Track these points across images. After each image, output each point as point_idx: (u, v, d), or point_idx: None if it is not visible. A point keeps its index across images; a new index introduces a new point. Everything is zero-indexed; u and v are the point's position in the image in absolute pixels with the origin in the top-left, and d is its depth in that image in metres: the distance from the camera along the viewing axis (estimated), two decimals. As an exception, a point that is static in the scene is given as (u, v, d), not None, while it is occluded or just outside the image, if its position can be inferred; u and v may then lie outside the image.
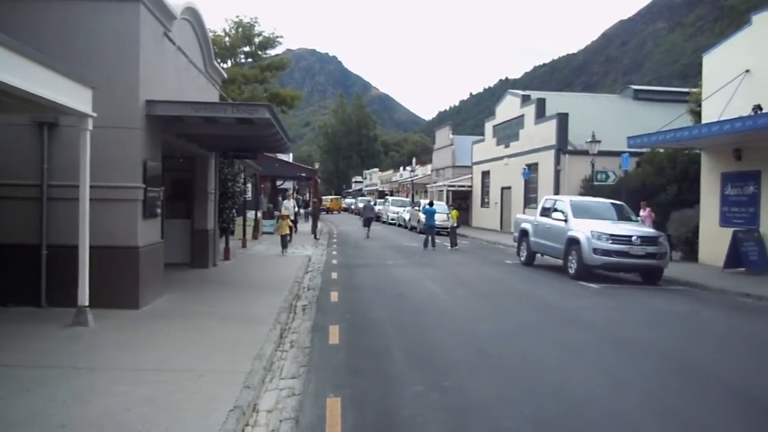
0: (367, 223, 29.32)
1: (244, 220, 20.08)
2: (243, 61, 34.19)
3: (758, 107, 15.03)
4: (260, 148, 15.20)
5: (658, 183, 22.13)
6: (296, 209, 24.10)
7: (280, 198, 28.53)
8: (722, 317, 10.77)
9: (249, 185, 22.31)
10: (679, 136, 16.51)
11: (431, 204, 24.78)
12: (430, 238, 22.62)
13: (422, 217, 31.64)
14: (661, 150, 22.23)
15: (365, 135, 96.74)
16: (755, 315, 10.92)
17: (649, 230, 14.89)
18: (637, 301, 12.11)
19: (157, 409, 4.90)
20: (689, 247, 18.83)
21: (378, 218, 44.60)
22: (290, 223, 19.09)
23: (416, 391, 5.90)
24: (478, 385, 6.19)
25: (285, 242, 18.40)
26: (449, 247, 23.11)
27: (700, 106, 19.18)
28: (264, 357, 6.57)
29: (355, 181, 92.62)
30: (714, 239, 17.20)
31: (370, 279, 14.12)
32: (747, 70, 16.39)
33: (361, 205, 48.22)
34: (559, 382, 6.37)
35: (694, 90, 22.88)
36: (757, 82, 15.99)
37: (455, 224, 24.23)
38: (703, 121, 17.76)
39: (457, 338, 8.34)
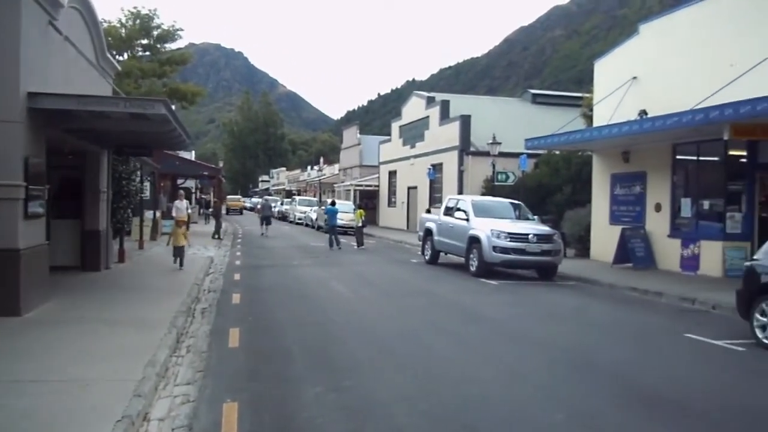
0: (264, 222, 28.90)
1: (141, 221, 19.21)
2: (140, 54, 32.71)
3: (644, 112, 16.06)
4: (158, 145, 14.60)
5: (555, 183, 23.21)
6: (189, 210, 22.47)
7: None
8: (610, 310, 11.41)
9: (147, 184, 21.38)
10: (572, 139, 17.38)
11: (333, 204, 24.76)
12: (333, 237, 22.57)
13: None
14: (557, 152, 23.34)
15: (272, 133, 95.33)
16: (640, 307, 11.63)
17: (544, 228, 15.56)
18: (534, 297, 12.62)
19: (37, 425, 4.57)
20: (582, 245, 19.86)
21: (285, 218, 44.08)
22: (185, 231, 15.05)
23: (316, 392, 5.83)
24: (378, 384, 6.21)
25: (181, 255, 14.40)
26: (356, 247, 23.16)
27: (592, 110, 20.25)
28: (157, 363, 6.29)
29: (262, 180, 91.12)
30: (604, 237, 18.23)
31: (274, 280, 13.88)
32: (634, 77, 17.47)
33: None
34: (459, 377, 6.51)
35: (587, 95, 24.14)
36: (643, 88, 17.08)
37: (360, 224, 24.29)
38: (595, 125, 18.79)
39: (360, 337, 8.34)
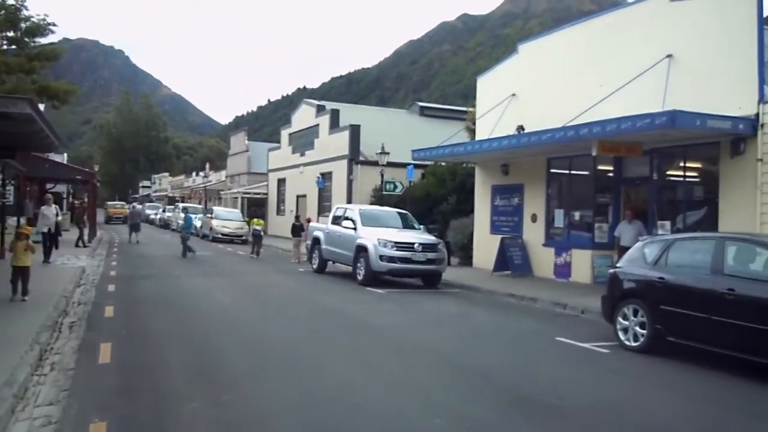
0: (133, 229, 27.49)
1: (3, 228, 17.65)
2: (5, 47, 30.22)
3: (521, 127, 16.93)
4: (23, 146, 13.49)
5: (441, 193, 23.92)
6: (59, 217, 20.58)
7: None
8: (489, 316, 11.87)
9: (10, 188, 19.69)
10: (456, 151, 17.99)
11: (186, 211, 24.38)
12: (185, 245, 21.32)
13: (215, 224, 30.68)
14: (443, 163, 24.08)
15: (154, 137, 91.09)
16: (516, 312, 12.20)
17: (429, 238, 15.96)
18: (418, 304, 12.88)
19: None
20: (465, 253, 20.56)
21: (167, 226, 42.25)
22: (31, 245, 10.67)
23: (193, 407, 5.59)
24: (259, 396, 6.06)
25: (24, 279, 10.33)
26: (255, 257, 22.67)
27: (475, 124, 21.08)
28: (15, 383, 5.76)
29: (143, 186, 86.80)
30: (486, 245, 18.98)
31: (152, 291, 13.22)
32: (513, 94, 18.38)
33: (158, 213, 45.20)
34: (342, 386, 6.48)
35: (471, 109, 25.11)
36: (521, 105, 18.00)
37: (261, 233, 23.78)
38: (477, 138, 19.57)
39: (242, 349, 8.12)
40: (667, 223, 14.11)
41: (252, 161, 44.92)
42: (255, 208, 40.52)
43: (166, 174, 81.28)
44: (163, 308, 11.18)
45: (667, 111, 11.81)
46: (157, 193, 77.35)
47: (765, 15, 12.82)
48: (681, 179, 14.44)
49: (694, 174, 14.38)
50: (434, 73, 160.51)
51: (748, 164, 12.50)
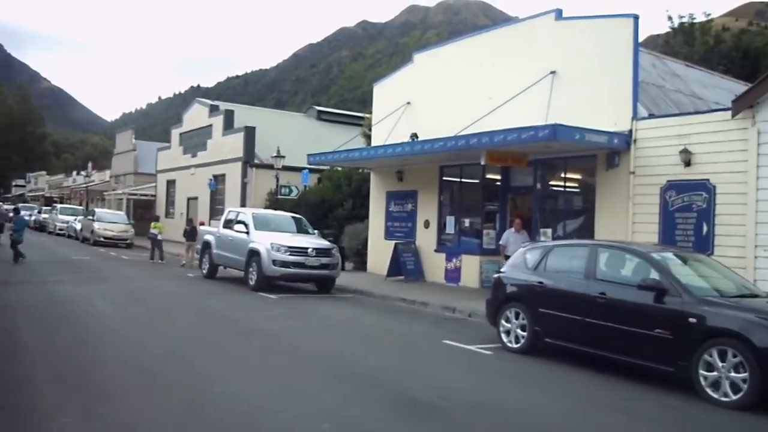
0: None
1: None
2: None
3: (415, 135, 17.28)
4: None
5: (337, 198, 23.93)
6: None
7: None
8: (380, 320, 11.99)
9: None
10: (352, 157, 18.09)
11: (18, 211, 22.91)
12: (16, 250, 19.08)
13: (96, 227, 28.94)
14: (339, 168, 24.13)
15: (30, 133, 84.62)
16: (407, 317, 12.40)
17: (323, 243, 15.91)
18: (311, 310, 12.80)
19: None
20: (360, 258, 20.68)
21: (43, 228, 39.45)
22: None
23: (64, 423, 5.23)
24: (139, 408, 5.77)
25: None
26: (160, 261, 21.63)
27: (371, 130, 21.29)
28: None
29: (17, 185, 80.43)
30: (380, 251, 19.19)
31: (23, 299, 12.27)
32: (408, 102, 18.74)
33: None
34: (228, 394, 6.30)
35: (368, 115, 25.34)
36: (416, 113, 18.37)
37: (160, 236, 22.69)
38: (373, 144, 19.77)
39: (122, 359, 7.70)
40: (549, 231, 14.92)
41: (139, 161, 42.86)
42: (142, 210, 38.69)
43: (44, 173, 75.75)
44: (35, 317, 10.39)
45: (550, 124, 12.50)
46: (33, 193, 71.94)
47: (639, 40, 13.86)
48: (562, 189, 15.31)
49: (574, 184, 15.29)
50: (333, 77, 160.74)
51: (621, 176, 13.46)
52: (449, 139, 14.56)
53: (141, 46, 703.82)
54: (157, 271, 19.25)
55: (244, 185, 28.44)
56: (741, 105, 11.59)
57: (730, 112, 11.76)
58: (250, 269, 15.17)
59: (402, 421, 5.77)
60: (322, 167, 23.92)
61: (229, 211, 17.81)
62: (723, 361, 6.65)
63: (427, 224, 18.10)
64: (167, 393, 6.31)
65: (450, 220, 17.61)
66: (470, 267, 16.51)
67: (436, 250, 17.70)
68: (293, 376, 7.25)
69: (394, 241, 18.26)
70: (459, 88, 17.01)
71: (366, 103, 21.83)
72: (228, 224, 16.85)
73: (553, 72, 14.65)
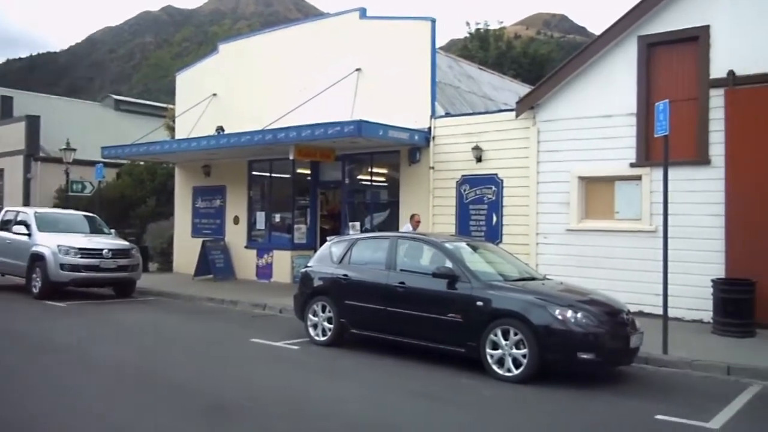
0: None
1: None
2: None
3: (221, 128, 16.70)
4: None
5: (139, 195, 22.38)
6: None
7: None
8: (187, 322, 11.41)
9: None
10: (152, 150, 16.98)
11: None
12: None
13: None
14: (142, 162, 22.55)
15: None
16: (215, 317, 11.95)
17: (121, 243, 14.74)
18: (107, 316, 11.80)
19: None
20: (165, 258, 19.57)
21: None
22: None
23: None
24: None
25: None
26: None
27: (175, 122, 20.19)
28: None
29: None
30: (187, 249, 18.30)
31: None
32: (214, 94, 18.05)
33: None
34: (9, 418, 5.54)
35: (172, 106, 23.99)
36: (222, 105, 17.75)
37: None
38: (176, 137, 18.77)
39: None
40: (358, 224, 15.31)
41: None
42: None
43: None
44: None
45: (355, 120, 12.78)
46: None
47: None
48: (369, 183, 15.78)
49: (381, 179, 15.85)
50: (136, 64, 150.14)
51: (423, 171, 14.21)
52: (257, 133, 14.27)
53: None
54: None
55: (27, 181, 25.42)
56: (523, 106, 12.81)
57: (514, 113, 12.94)
58: (34, 275, 13.59)
59: (206, 426, 5.52)
60: (122, 161, 22.19)
61: (6, 211, 15.76)
62: (506, 339, 7.27)
63: (236, 220, 17.62)
64: None
65: (260, 216, 17.32)
66: (282, 262, 16.39)
67: (246, 247, 17.31)
68: (88, 389, 6.61)
69: (201, 239, 17.53)
70: (267, 82, 16.76)
71: (173, 94, 20.61)
72: (5, 226, 14.90)
73: (358, 69, 15.01)
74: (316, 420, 5.80)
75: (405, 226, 13.08)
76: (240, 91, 17.38)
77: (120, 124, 29.78)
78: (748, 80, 10.45)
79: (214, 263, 17.05)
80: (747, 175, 10.35)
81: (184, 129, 18.38)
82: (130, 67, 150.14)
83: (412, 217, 13.07)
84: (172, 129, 21.20)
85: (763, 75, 10.32)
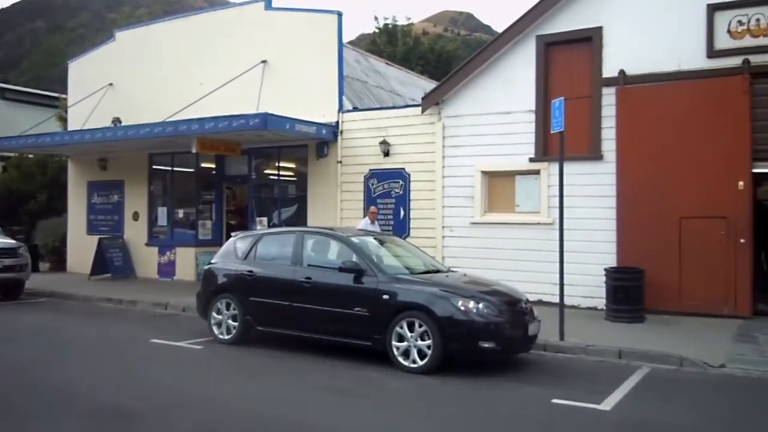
0: None
1: None
2: None
3: (117, 120, 15.90)
4: None
5: (28, 190, 20.90)
6: None
7: None
8: (81, 324, 10.78)
9: None
10: (43, 142, 15.89)
11: None
12: None
13: None
14: (31, 155, 21.08)
15: None
16: (113, 318, 11.37)
17: (7, 242, 13.72)
18: (-9, 320, 10.98)
19: None
20: (58, 257, 18.44)
21: None
22: None
23: None
24: None
25: None
26: None
27: (68, 112, 19.02)
28: None
29: None
30: (82, 247, 17.30)
31: None
32: (111, 84, 17.14)
33: None
34: None
35: (64, 96, 22.58)
36: (120, 96, 16.88)
37: None
38: (70, 129, 17.70)
39: None
40: (265, 219, 15.03)
41: None
42: None
43: None
44: None
45: (260, 113, 12.51)
46: None
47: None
48: (277, 178, 15.52)
49: (288, 173, 15.62)
50: (26, 50, 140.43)
51: (331, 165, 14.13)
52: (157, 125, 13.68)
53: None
54: None
55: None
56: (429, 102, 13.00)
57: (420, 108, 13.10)
58: None
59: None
60: (8, 154, 20.65)
61: None
62: (411, 331, 7.35)
63: (136, 216, 16.85)
64: None
65: (162, 212, 16.65)
66: (185, 260, 15.84)
67: (147, 244, 16.59)
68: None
69: (98, 236, 16.62)
70: (168, 73, 16.10)
71: (67, 83, 19.37)
72: None
73: (264, 61, 14.71)
74: (220, 421, 5.62)
75: (362, 222, 12.26)
76: (139, 82, 16.59)
77: (6, 114, 27.70)
78: (638, 79, 11.10)
79: (112, 262, 16.24)
80: (636, 170, 10.99)
81: (77, 120, 17.35)
82: (20, 53, 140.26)
83: (369, 209, 12.51)
84: (64, 120, 19.95)
85: (651, 75, 10.99)
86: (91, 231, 17.46)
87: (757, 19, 10.29)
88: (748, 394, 6.73)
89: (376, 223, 12.29)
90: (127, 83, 16.88)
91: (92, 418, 5.67)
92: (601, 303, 10.80)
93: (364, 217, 12.69)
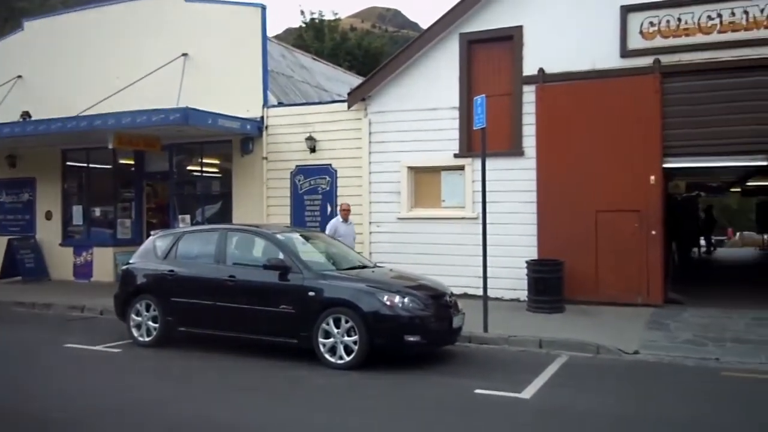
0: None
1: None
2: None
3: (27, 114, 15.06)
4: None
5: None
6: None
7: None
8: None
9: None
10: (-57, 137, 14.84)
11: None
12: None
13: None
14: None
15: None
16: (24, 323, 10.78)
17: None
18: None
19: None
20: (-37, 260, 17.28)
21: None
22: None
23: None
24: None
25: None
26: None
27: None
28: None
29: None
30: (-10, 249, 16.28)
31: None
32: (20, 76, 16.22)
33: None
34: None
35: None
36: (29, 89, 15.99)
37: None
38: (-27, 123, 16.62)
39: None
40: (188, 217, 14.62)
41: None
42: None
43: None
44: None
45: (181, 108, 12.14)
46: None
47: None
48: (200, 174, 15.13)
49: (212, 169, 15.25)
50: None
51: (256, 161, 13.89)
52: (70, 120, 13.02)
53: None
54: None
55: None
56: (354, 98, 12.98)
57: (347, 104, 13.06)
58: None
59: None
60: None
61: None
62: (338, 327, 7.32)
63: (49, 216, 16.03)
64: None
65: (77, 210, 15.90)
66: (103, 260, 15.18)
67: (61, 244, 15.81)
68: None
69: (7, 237, 15.71)
70: (82, 65, 15.37)
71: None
72: None
73: (185, 54, 14.29)
74: (140, 426, 5.41)
75: (334, 220, 11.23)
76: (50, 74, 15.75)
77: None
78: (556, 78, 11.46)
79: (23, 263, 15.38)
80: (554, 165, 11.36)
81: (-14, 114, 16.31)
82: None
83: (341, 207, 11.36)
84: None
85: (568, 73, 11.37)
86: (1, 232, 16.47)
87: (668, 21, 10.82)
88: (659, 379, 7.09)
89: (350, 220, 11.18)
90: (38, 76, 16.00)
91: (2, 430, 5.36)
92: (523, 295, 11.10)
93: (336, 216, 11.54)
